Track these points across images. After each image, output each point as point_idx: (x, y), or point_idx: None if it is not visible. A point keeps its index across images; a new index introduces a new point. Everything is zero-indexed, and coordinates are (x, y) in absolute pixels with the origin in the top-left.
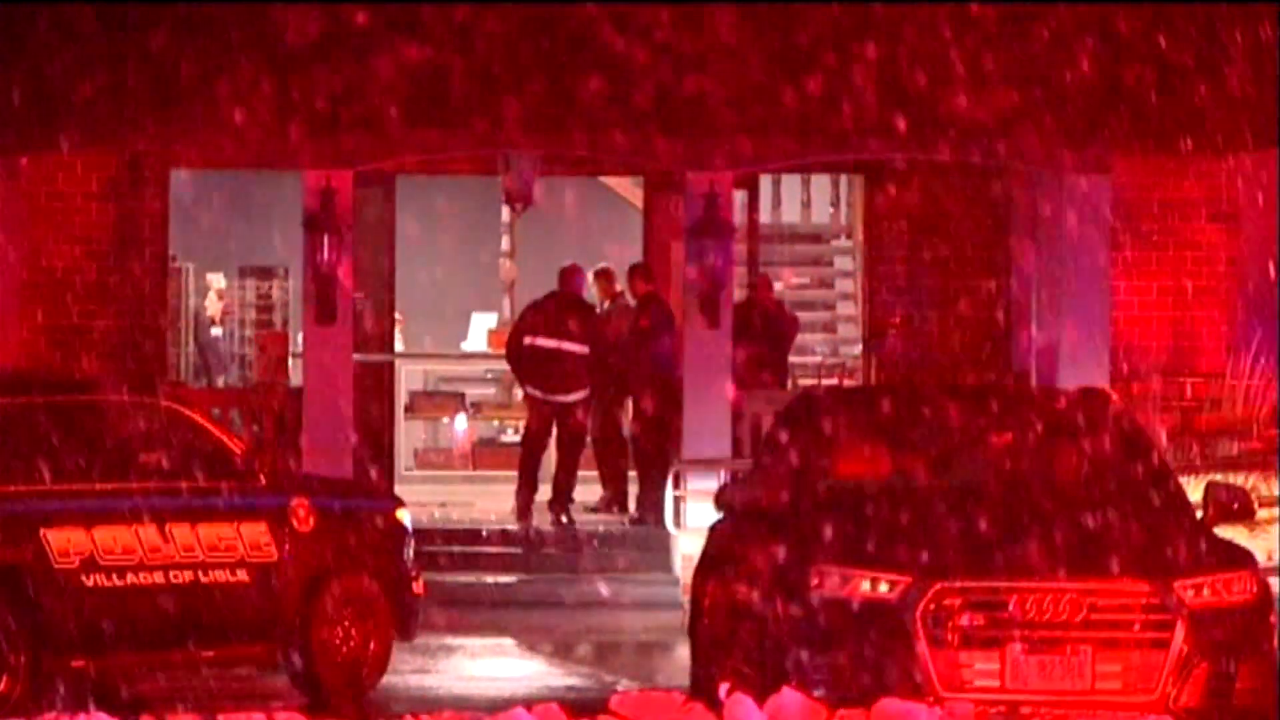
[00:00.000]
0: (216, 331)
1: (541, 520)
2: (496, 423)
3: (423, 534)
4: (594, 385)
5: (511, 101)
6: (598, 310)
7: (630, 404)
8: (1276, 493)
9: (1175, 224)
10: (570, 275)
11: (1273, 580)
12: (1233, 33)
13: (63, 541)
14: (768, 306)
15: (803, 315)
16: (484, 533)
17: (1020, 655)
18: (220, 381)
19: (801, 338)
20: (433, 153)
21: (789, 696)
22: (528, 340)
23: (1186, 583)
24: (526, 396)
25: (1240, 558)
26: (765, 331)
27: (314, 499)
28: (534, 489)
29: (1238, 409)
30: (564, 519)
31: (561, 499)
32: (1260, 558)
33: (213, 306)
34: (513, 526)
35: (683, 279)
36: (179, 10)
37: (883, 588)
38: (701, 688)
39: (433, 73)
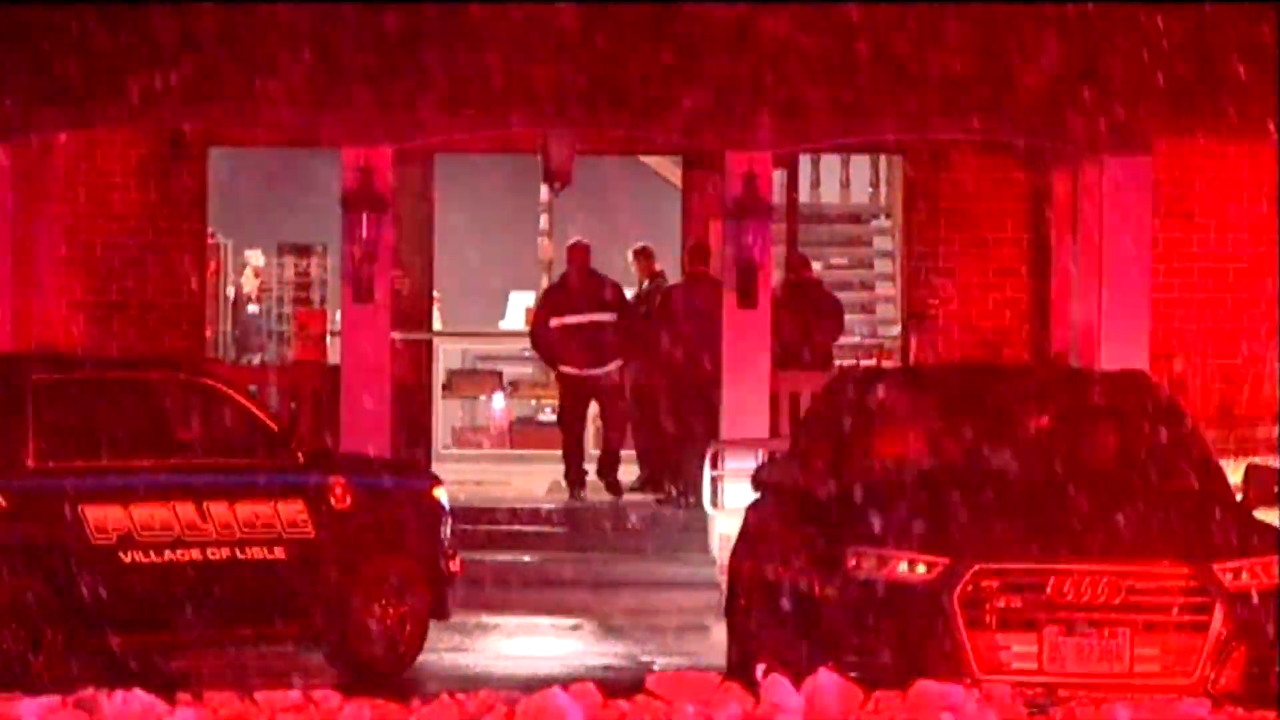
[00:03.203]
0: (253, 309)
1: (579, 499)
2: (534, 401)
3: (460, 512)
4: (626, 354)
5: (550, 80)
6: (637, 289)
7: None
8: None
9: (1217, 205)
10: (580, 251)
11: None
12: (1275, 11)
13: (100, 518)
14: (807, 286)
15: (841, 296)
16: (520, 511)
17: (1058, 637)
18: (258, 359)
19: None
20: (472, 131)
21: (826, 678)
22: (555, 321)
23: (1225, 565)
24: (560, 377)
25: None
26: (804, 311)
27: (351, 477)
28: (583, 468)
29: (1278, 391)
30: (619, 491)
31: (615, 472)
32: None
33: (249, 284)
34: (549, 505)
35: (721, 259)
36: None
37: (920, 569)
38: (738, 668)
39: (472, 51)
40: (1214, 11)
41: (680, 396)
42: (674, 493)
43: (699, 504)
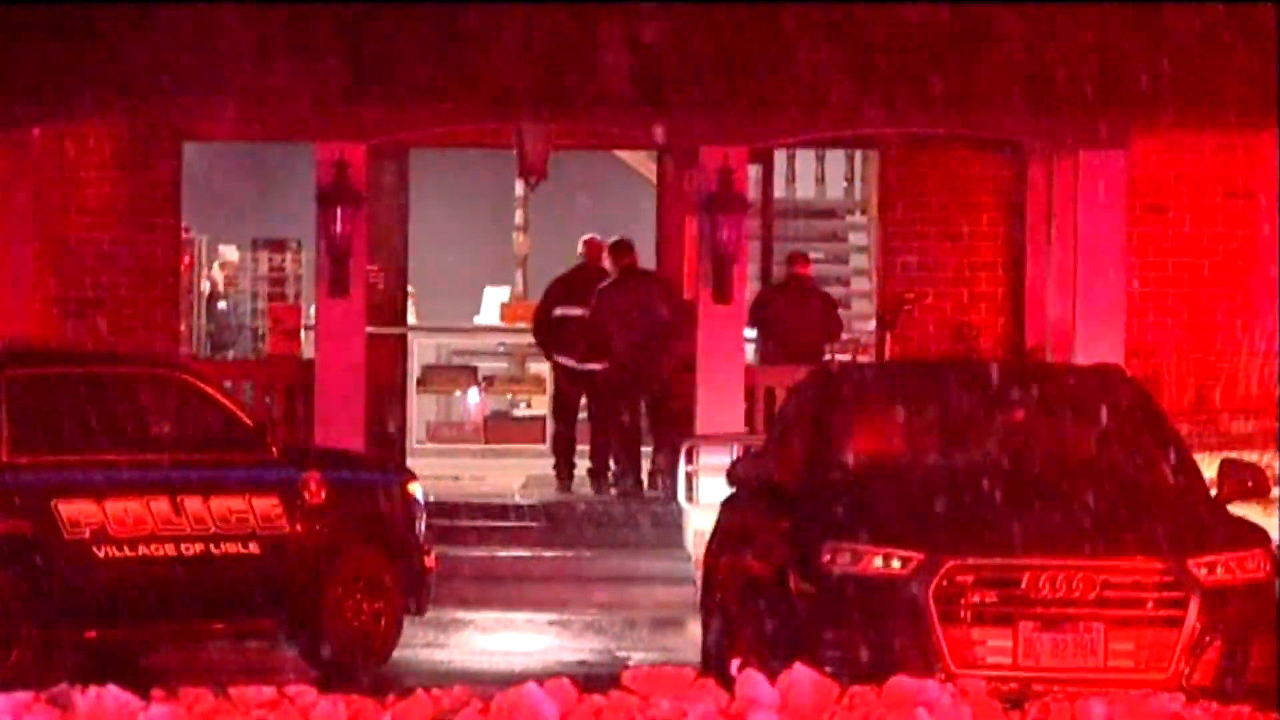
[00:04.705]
0: (222, 305)
1: (569, 491)
2: (509, 396)
3: (434, 508)
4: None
5: (525, 74)
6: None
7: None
8: None
9: (1192, 200)
10: (596, 247)
11: None
12: (1254, 7)
13: (74, 513)
14: (799, 283)
15: None
16: (495, 506)
17: (1033, 633)
18: (231, 354)
19: None
20: (446, 125)
21: (801, 673)
22: (559, 311)
23: (1200, 560)
24: (557, 368)
25: (1254, 535)
26: (794, 308)
27: (326, 472)
28: (574, 461)
29: (1253, 386)
30: (610, 489)
31: (605, 469)
32: (1274, 535)
33: (218, 279)
34: (524, 501)
35: (696, 253)
36: None
37: (895, 564)
38: (713, 664)
39: (446, 45)
40: (1190, 6)
41: (623, 391)
42: (620, 481)
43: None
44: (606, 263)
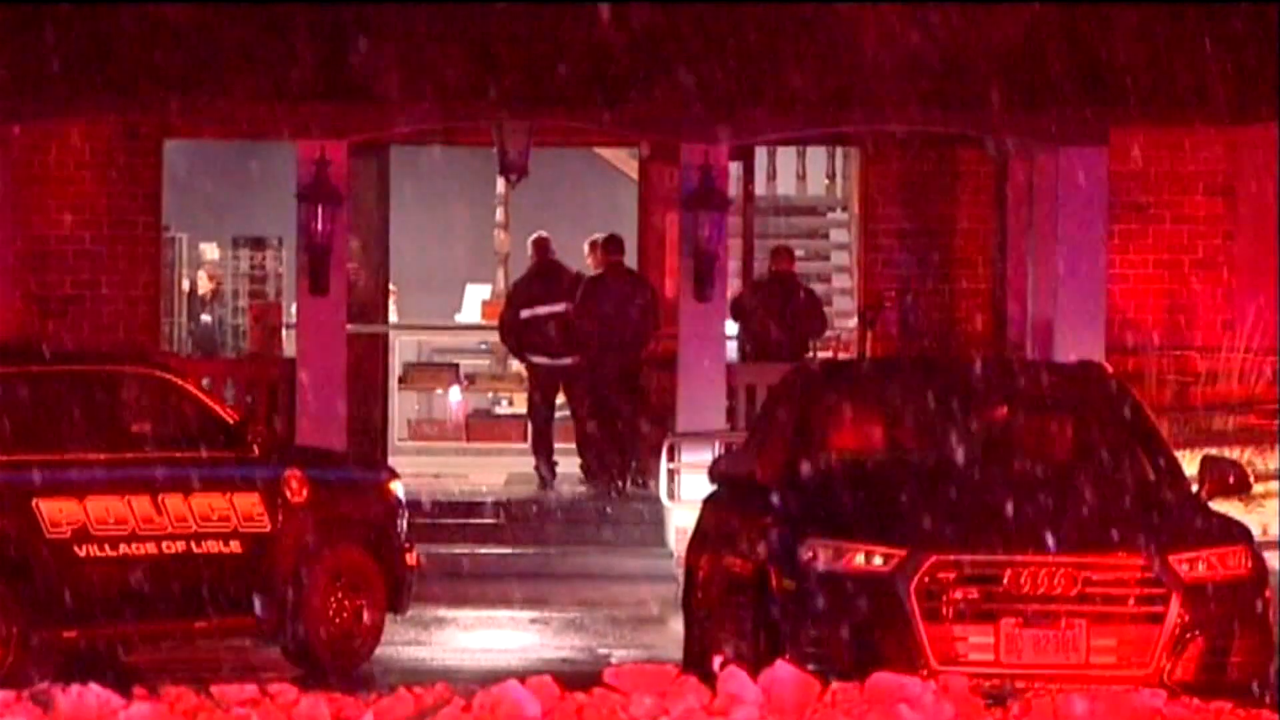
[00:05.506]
0: (206, 318)
1: (538, 492)
2: (490, 394)
3: (416, 505)
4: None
5: (506, 72)
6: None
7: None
8: (1272, 467)
9: (1172, 197)
10: (546, 244)
11: (1268, 555)
12: (1233, 6)
13: (55, 512)
14: (783, 280)
15: None
16: (477, 504)
17: (1014, 629)
18: (212, 352)
19: None
20: (427, 123)
21: (783, 670)
22: (525, 313)
23: (1182, 557)
24: (530, 368)
25: (1236, 532)
26: (777, 305)
27: (307, 470)
28: (554, 459)
29: (1234, 383)
30: (592, 484)
31: (589, 464)
32: (1256, 532)
33: (203, 286)
34: (506, 498)
35: (677, 251)
36: None
37: (877, 561)
38: (695, 661)
39: (427, 43)
40: (1171, 4)
41: (598, 384)
42: (618, 482)
43: (624, 490)
44: (588, 258)
